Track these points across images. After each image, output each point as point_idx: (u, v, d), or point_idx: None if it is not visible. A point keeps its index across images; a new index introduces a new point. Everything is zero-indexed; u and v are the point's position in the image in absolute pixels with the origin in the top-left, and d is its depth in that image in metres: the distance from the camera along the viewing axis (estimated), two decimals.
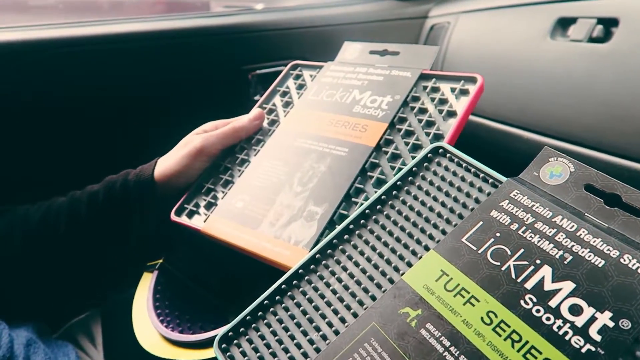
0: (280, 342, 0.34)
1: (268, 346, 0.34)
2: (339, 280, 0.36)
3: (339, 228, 0.38)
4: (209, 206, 0.52)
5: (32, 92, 0.71)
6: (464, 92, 0.47)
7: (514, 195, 0.33)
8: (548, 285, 0.28)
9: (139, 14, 0.82)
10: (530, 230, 0.31)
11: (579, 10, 0.64)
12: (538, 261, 0.29)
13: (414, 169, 0.39)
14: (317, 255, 0.37)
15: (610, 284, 0.27)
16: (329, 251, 0.37)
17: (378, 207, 0.38)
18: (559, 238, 0.30)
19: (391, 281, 0.34)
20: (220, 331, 0.35)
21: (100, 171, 0.56)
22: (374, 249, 0.36)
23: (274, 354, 0.33)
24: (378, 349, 0.29)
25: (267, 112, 0.58)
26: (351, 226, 0.38)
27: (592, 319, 0.26)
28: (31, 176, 0.74)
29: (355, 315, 0.33)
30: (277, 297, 0.36)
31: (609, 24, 0.60)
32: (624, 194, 0.30)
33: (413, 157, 0.45)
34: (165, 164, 0.52)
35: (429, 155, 0.40)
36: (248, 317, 0.36)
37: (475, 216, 0.33)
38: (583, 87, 0.60)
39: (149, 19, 0.79)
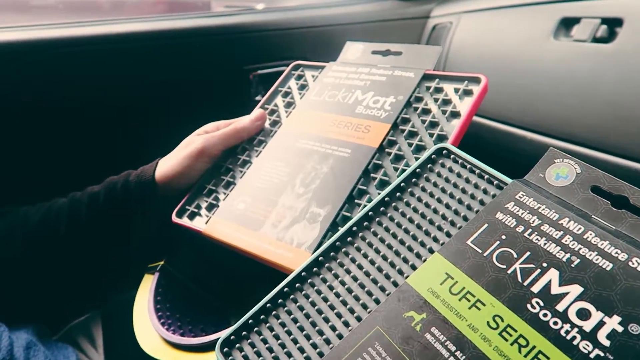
0: (282, 346, 0.33)
1: (270, 350, 0.33)
2: (342, 283, 0.35)
3: (342, 230, 0.37)
4: (211, 208, 0.51)
5: (32, 92, 0.71)
6: (468, 92, 0.47)
7: (519, 197, 0.33)
8: (555, 289, 0.28)
9: (140, 14, 0.81)
10: (536, 233, 0.31)
11: (582, 10, 0.63)
12: (545, 264, 0.29)
13: (417, 170, 0.39)
14: (320, 258, 0.37)
15: (618, 287, 0.26)
16: (332, 254, 0.37)
17: (381, 209, 0.38)
18: (566, 241, 0.30)
19: (395, 284, 0.34)
20: (222, 334, 0.34)
21: (101, 172, 0.56)
22: (377, 251, 0.36)
23: (276, 358, 0.33)
24: (382, 353, 0.29)
25: (269, 112, 0.58)
26: (354, 228, 0.38)
27: (601, 324, 0.25)
28: (32, 176, 0.74)
29: (359, 319, 0.33)
30: (280, 300, 0.36)
31: (613, 24, 0.60)
32: (631, 196, 0.30)
33: (416, 159, 0.44)
34: (167, 165, 0.52)
35: (432, 156, 0.39)
36: (250, 321, 0.35)
37: (480, 218, 0.33)
38: (587, 87, 0.60)
39: (150, 19, 0.78)
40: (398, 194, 0.38)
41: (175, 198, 0.53)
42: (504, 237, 0.31)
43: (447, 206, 0.36)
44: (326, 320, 0.34)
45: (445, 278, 0.31)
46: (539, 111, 0.66)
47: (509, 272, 0.29)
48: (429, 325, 0.29)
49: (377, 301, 0.33)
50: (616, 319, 0.25)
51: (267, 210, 0.46)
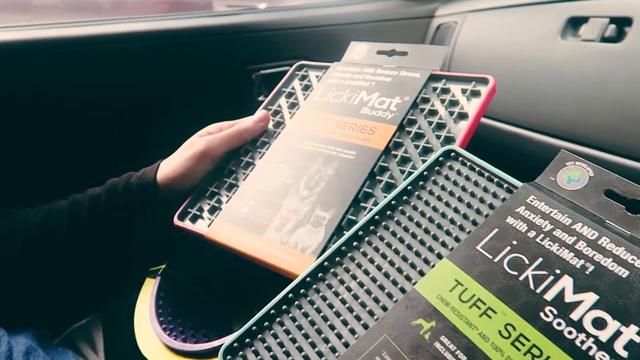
0: (287, 354, 0.33)
1: (275, 358, 0.33)
2: (348, 289, 0.34)
3: (347, 234, 0.37)
4: (213, 210, 0.50)
5: (31, 92, 0.71)
6: (475, 93, 0.46)
7: (530, 201, 0.32)
8: (569, 297, 0.27)
9: (141, 13, 0.81)
10: (548, 238, 0.30)
11: (590, 9, 0.63)
12: (558, 271, 0.28)
13: (425, 173, 0.38)
14: (325, 263, 0.36)
15: (635, 296, 0.26)
16: (337, 258, 0.36)
17: (388, 212, 0.37)
18: (580, 247, 0.29)
19: (403, 291, 0.33)
20: (225, 342, 0.34)
21: (102, 173, 0.55)
22: (384, 256, 0.35)
23: None
24: None
25: (272, 113, 0.57)
26: (360, 232, 0.37)
27: (617, 334, 0.25)
28: (32, 177, 0.73)
29: (365, 326, 0.32)
30: (284, 307, 0.35)
31: (622, 24, 0.59)
32: None
33: (423, 161, 0.43)
34: (168, 167, 0.51)
35: (440, 158, 0.38)
36: (254, 328, 0.34)
37: (490, 223, 0.32)
38: (595, 88, 0.59)
39: (151, 19, 0.78)
40: (405, 197, 0.37)
41: (177, 200, 0.52)
42: (515, 242, 0.30)
43: (456, 210, 0.35)
44: (332, 327, 0.33)
45: (454, 285, 0.30)
46: (546, 112, 0.65)
47: (520, 279, 0.29)
48: (439, 333, 0.28)
49: (384, 308, 0.32)
50: (633, 328, 0.24)
51: (270, 214, 0.46)
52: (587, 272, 0.27)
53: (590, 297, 0.26)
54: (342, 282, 0.35)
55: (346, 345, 0.32)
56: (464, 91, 0.46)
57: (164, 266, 0.51)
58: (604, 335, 0.25)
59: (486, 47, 0.77)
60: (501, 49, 0.74)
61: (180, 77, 0.80)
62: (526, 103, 0.67)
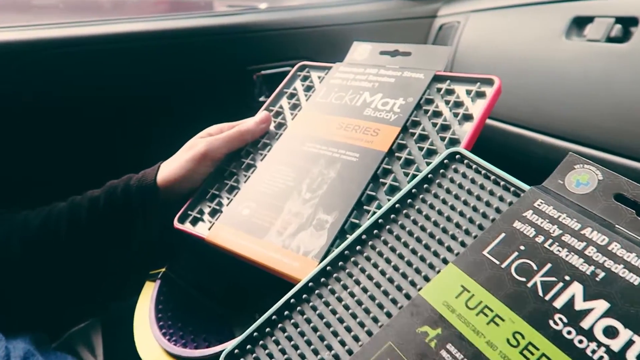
0: None
1: None
2: (352, 294, 0.34)
3: (350, 238, 0.36)
4: (214, 213, 0.50)
5: (32, 93, 0.70)
6: (481, 94, 0.45)
7: (538, 204, 0.31)
8: (579, 305, 0.26)
9: (141, 13, 0.80)
10: (557, 244, 0.29)
11: (595, 9, 0.62)
12: (567, 277, 0.27)
13: (429, 175, 0.37)
14: (328, 268, 0.35)
15: None
16: (340, 263, 0.35)
17: (392, 216, 0.36)
18: (589, 252, 0.28)
19: (407, 297, 0.32)
20: (226, 348, 0.33)
21: (102, 173, 0.54)
22: (388, 261, 0.34)
23: None
24: None
25: (274, 114, 0.56)
26: (364, 236, 0.36)
27: (630, 343, 0.24)
28: (32, 177, 0.73)
29: (369, 333, 0.31)
30: (286, 312, 0.34)
31: (628, 24, 0.58)
32: None
33: (427, 163, 0.43)
34: (169, 169, 0.51)
35: (445, 161, 0.38)
36: (255, 334, 0.34)
37: (496, 227, 0.31)
38: (601, 88, 0.58)
39: (151, 19, 0.77)
40: (409, 200, 0.37)
41: (177, 203, 0.52)
42: (522, 247, 0.30)
43: (461, 214, 0.34)
44: (335, 334, 0.32)
45: (460, 291, 0.29)
46: (550, 113, 0.64)
47: (529, 285, 0.28)
48: (445, 341, 0.28)
49: (388, 314, 0.32)
50: None
51: (272, 217, 0.45)
52: (597, 279, 0.27)
53: (601, 305, 0.26)
54: (345, 287, 0.34)
55: (350, 352, 0.31)
56: (468, 92, 0.46)
57: (163, 269, 0.51)
58: (615, 345, 0.24)
59: (489, 48, 0.76)
60: (505, 49, 0.73)
61: (180, 77, 0.79)
62: (530, 104, 0.67)
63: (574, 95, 0.61)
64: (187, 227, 0.50)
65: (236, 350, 0.33)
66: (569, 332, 0.25)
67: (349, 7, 0.91)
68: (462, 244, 0.33)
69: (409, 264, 0.33)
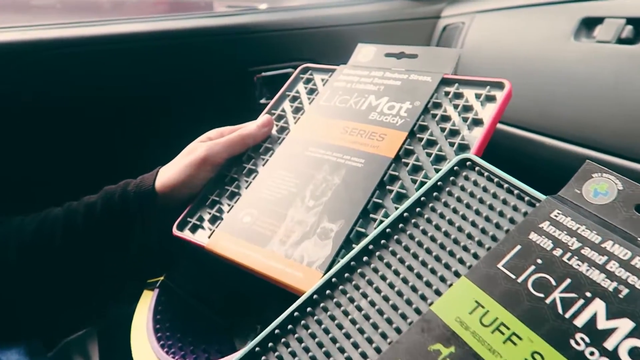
0: None
1: None
2: (359, 308, 0.32)
3: (357, 248, 0.34)
4: (214, 220, 0.48)
5: (32, 93, 0.70)
6: (490, 98, 0.43)
7: (555, 215, 0.30)
8: (602, 323, 0.25)
9: (141, 14, 0.79)
10: (576, 257, 0.28)
11: (605, 9, 0.60)
12: (588, 294, 0.26)
13: (439, 183, 0.36)
14: (333, 279, 0.34)
15: None
16: (346, 274, 0.34)
17: (400, 225, 0.35)
18: (611, 267, 0.26)
19: (418, 311, 0.30)
20: None
21: (102, 174, 0.54)
22: (397, 273, 0.33)
23: None
24: None
25: (276, 118, 0.55)
26: (371, 246, 0.35)
27: None
28: (33, 177, 0.72)
29: (378, 350, 0.30)
30: (290, 326, 0.33)
31: (639, 24, 0.56)
32: None
33: (436, 170, 0.41)
34: (167, 174, 0.49)
35: (455, 168, 0.36)
36: (257, 349, 0.32)
37: (511, 239, 0.30)
38: (611, 91, 0.57)
39: (151, 19, 0.77)
40: (418, 209, 0.35)
41: (176, 209, 0.50)
42: (539, 261, 0.28)
43: (473, 224, 0.33)
44: (341, 350, 0.31)
45: (474, 306, 0.28)
46: (558, 116, 0.63)
47: (547, 301, 0.26)
48: None
49: (398, 330, 0.30)
50: None
51: (274, 225, 0.43)
52: (620, 296, 0.25)
53: (626, 324, 0.24)
54: (351, 300, 0.33)
55: None
56: (478, 96, 0.44)
57: (162, 278, 0.49)
58: None
59: (495, 49, 0.75)
60: (511, 50, 0.72)
61: (180, 78, 0.79)
62: (537, 107, 0.65)
63: (583, 97, 0.60)
64: (186, 234, 0.48)
65: None
66: (592, 353, 0.24)
67: (351, 7, 0.90)
68: (475, 256, 0.31)
69: (419, 276, 0.32)
